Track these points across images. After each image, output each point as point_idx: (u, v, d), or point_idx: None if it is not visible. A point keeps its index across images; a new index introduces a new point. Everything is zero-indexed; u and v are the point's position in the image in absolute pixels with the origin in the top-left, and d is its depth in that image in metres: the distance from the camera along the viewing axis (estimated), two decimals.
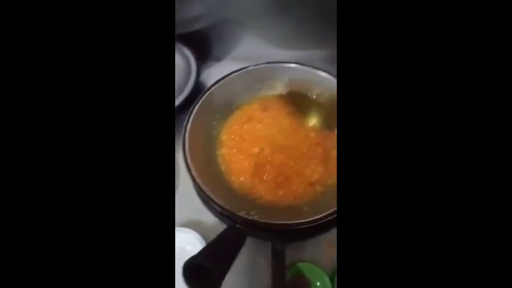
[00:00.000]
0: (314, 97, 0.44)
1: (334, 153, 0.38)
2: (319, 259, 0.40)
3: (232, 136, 0.40)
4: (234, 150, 0.39)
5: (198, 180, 0.33)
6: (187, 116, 0.38)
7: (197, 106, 0.39)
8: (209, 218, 0.36)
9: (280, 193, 0.36)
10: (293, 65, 0.43)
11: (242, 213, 0.31)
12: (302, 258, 0.39)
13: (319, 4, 0.46)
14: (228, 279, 0.41)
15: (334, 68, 0.41)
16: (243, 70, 0.42)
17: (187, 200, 0.39)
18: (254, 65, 0.42)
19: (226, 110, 0.42)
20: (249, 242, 0.37)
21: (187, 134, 0.36)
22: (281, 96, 0.44)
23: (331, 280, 0.37)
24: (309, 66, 0.42)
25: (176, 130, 0.42)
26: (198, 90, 0.47)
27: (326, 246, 0.41)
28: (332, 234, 0.41)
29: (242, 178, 0.37)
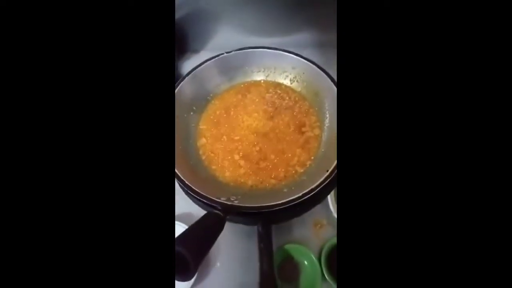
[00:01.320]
0: (289, 81, 0.44)
1: (311, 133, 0.39)
2: (307, 240, 0.40)
3: (211, 126, 0.40)
4: (214, 139, 0.39)
5: (176, 170, 0.33)
6: None
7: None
8: (198, 211, 0.37)
9: (260, 178, 0.36)
10: (264, 49, 0.42)
11: (222, 199, 0.31)
12: (290, 240, 0.40)
13: None
14: (219, 266, 0.42)
15: (308, 53, 0.42)
16: (214, 59, 0.41)
17: (177, 194, 0.40)
18: (226, 52, 0.42)
19: (203, 100, 0.42)
20: (238, 228, 0.37)
21: None
22: (256, 82, 0.44)
23: (319, 259, 0.38)
24: (281, 49, 0.42)
25: None
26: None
27: (312, 227, 0.42)
28: (317, 214, 0.42)
29: (222, 166, 0.37)
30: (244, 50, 0.42)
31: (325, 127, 0.39)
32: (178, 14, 0.52)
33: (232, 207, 0.30)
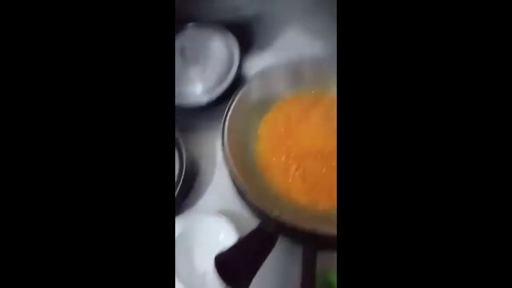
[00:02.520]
0: None
1: None
2: None
3: (269, 133, 0.40)
4: (270, 147, 0.38)
5: (233, 170, 0.33)
6: (227, 107, 0.38)
7: (237, 97, 0.38)
8: (242, 211, 0.37)
9: (315, 198, 0.35)
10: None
11: (275, 213, 0.31)
12: (334, 266, 0.39)
13: None
14: (256, 278, 0.42)
15: None
16: (284, 64, 0.40)
17: (222, 191, 0.40)
18: (295, 59, 0.41)
19: (265, 104, 0.41)
20: (280, 243, 0.37)
21: (226, 124, 0.37)
22: (322, 95, 0.42)
23: None
24: None
25: (214, 120, 0.43)
26: (239, 80, 0.47)
27: None
28: None
29: (276, 177, 0.36)
30: (314, 59, 0.41)
31: None
32: (246, 12, 0.52)
33: (285, 226, 0.30)
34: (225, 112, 0.37)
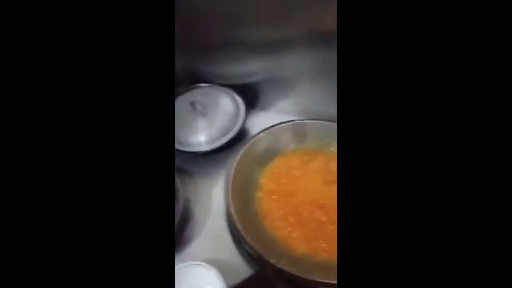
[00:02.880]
0: None
1: None
2: None
3: (270, 181, 0.40)
4: (271, 195, 0.39)
5: (235, 217, 0.33)
6: (235, 156, 0.39)
7: (244, 148, 0.41)
8: (235, 259, 0.35)
9: (312, 248, 0.33)
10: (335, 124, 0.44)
11: (272, 260, 0.29)
12: None
13: None
14: None
15: None
16: (289, 123, 0.44)
17: (214, 237, 0.38)
18: (299, 120, 0.44)
19: (268, 156, 0.44)
20: None
21: (232, 171, 0.37)
22: (323, 151, 0.45)
23: None
24: None
25: (216, 167, 0.44)
26: (242, 133, 0.50)
27: None
28: None
29: (275, 224, 0.36)
30: (317, 121, 0.45)
31: None
32: (258, 77, 0.58)
33: (283, 273, 0.28)
34: (231, 161, 0.39)
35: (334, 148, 0.45)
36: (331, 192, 0.39)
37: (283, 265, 0.29)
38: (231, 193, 0.35)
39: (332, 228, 0.36)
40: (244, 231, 0.32)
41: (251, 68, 0.56)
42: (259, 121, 0.53)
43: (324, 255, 0.34)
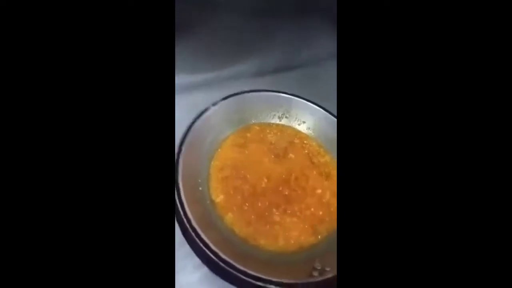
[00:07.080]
0: (306, 129, 0.42)
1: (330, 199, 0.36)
2: None
3: (220, 170, 0.36)
4: (220, 185, 0.34)
5: (189, 215, 0.28)
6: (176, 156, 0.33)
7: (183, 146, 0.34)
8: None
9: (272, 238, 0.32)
10: (285, 95, 0.42)
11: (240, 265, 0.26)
12: None
13: None
14: None
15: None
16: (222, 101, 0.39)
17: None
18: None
19: (214, 142, 0.38)
20: None
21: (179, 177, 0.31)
22: (269, 127, 0.42)
23: None
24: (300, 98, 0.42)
25: None
26: None
27: None
28: None
29: (232, 217, 0.32)
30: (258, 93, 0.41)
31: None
32: None
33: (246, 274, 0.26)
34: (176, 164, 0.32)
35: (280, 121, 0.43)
36: (281, 176, 0.37)
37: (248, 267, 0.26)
38: (182, 185, 0.31)
39: (292, 213, 0.34)
40: (202, 232, 0.28)
41: None
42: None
43: (288, 247, 0.31)
